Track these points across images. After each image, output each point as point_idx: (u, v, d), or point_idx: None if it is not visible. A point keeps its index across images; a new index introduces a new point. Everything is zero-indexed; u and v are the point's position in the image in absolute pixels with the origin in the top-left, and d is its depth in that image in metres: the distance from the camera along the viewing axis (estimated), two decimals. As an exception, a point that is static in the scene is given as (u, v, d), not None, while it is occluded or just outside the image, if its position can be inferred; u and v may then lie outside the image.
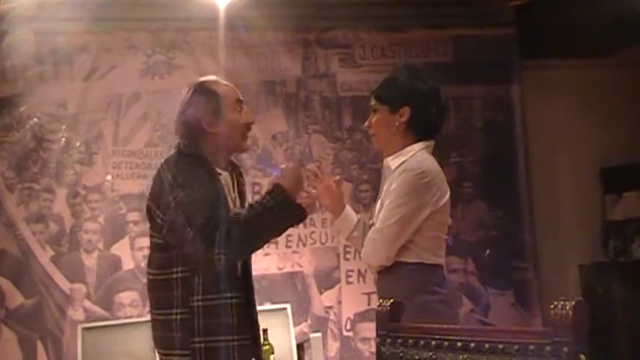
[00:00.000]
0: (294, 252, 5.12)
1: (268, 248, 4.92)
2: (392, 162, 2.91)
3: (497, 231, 5.53)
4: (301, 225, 3.78)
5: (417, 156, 2.87)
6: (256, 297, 2.94)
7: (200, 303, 2.65)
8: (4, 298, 4.75)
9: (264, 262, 5.00)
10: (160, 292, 2.74)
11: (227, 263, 2.58)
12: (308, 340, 4.62)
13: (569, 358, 1.52)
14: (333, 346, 5.17)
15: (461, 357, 1.77)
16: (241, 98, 2.88)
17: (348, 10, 5.38)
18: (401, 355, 1.97)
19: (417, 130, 2.91)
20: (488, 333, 1.78)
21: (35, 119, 4.91)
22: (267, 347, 3.94)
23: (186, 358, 2.65)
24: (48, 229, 4.87)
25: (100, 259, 4.93)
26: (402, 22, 5.52)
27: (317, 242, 5.20)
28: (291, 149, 5.29)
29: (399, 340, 2.00)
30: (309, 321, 5.13)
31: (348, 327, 5.21)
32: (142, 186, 4.96)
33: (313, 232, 5.19)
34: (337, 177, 3.17)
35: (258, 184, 5.03)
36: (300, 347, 4.55)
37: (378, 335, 2.08)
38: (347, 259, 5.25)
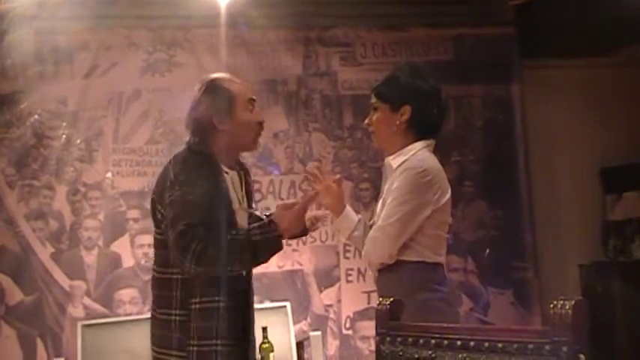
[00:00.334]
0: (294, 250, 5.12)
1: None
2: (393, 161, 2.91)
3: (497, 230, 5.53)
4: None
5: (418, 154, 2.87)
6: (255, 297, 2.94)
7: (198, 306, 2.65)
8: (4, 295, 4.76)
9: (264, 260, 5.00)
10: (161, 291, 2.74)
11: (195, 274, 2.59)
12: (308, 338, 4.62)
13: (569, 358, 1.52)
14: (333, 345, 5.17)
15: (460, 356, 1.78)
16: (254, 97, 2.85)
17: (349, 9, 5.39)
18: (400, 353, 1.97)
19: (418, 129, 2.91)
20: (487, 332, 1.78)
21: (36, 116, 4.91)
22: (267, 345, 3.94)
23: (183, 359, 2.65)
24: (48, 226, 4.88)
25: (100, 256, 4.94)
26: (403, 20, 5.52)
27: (317, 240, 5.21)
28: (292, 147, 5.29)
29: (399, 339, 2.00)
30: (308, 319, 5.14)
31: (348, 325, 5.21)
32: (143, 183, 4.98)
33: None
34: (337, 176, 3.16)
35: (258, 182, 5.03)
36: (299, 345, 4.55)
37: (377, 334, 2.08)
38: (347, 258, 5.26)
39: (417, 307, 2.56)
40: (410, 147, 2.89)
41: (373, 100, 2.99)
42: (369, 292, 5.16)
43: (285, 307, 4.58)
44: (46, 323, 4.80)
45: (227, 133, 2.75)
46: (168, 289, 2.69)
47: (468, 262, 5.44)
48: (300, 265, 5.17)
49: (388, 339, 2.04)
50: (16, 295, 4.78)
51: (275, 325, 4.27)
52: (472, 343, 1.76)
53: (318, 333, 4.67)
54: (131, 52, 5.11)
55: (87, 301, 4.87)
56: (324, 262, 5.23)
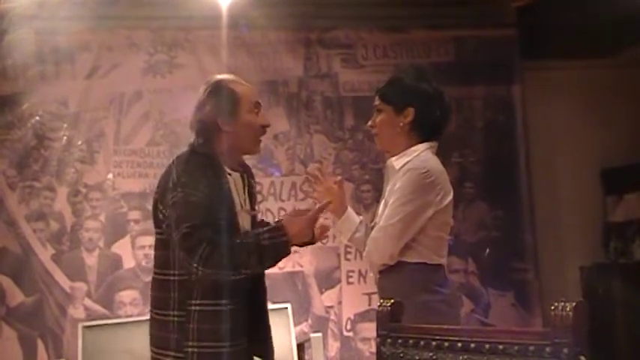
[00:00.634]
0: (294, 251, 5.10)
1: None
2: (396, 162, 2.91)
3: (498, 231, 5.53)
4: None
5: (421, 156, 2.87)
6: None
7: (197, 308, 2.64)
8: (5, 296, 4.76)
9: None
10: (159, 292, 2.73)
11: (203, 276, 2.58)
12: (308, 339, 4.63)
13: (570, 359, 1.52)
14: (334, 346, 5.17)
15: (461, 357, 1.78)
16: (259, 100, 2.84)
17: (350, 10, 5.39)
18: (401, 355, 1.97)
19: (421, 131, 2.91)
20: (488, 334, 1.78)
21: (37, 117, 4.92)
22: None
23: None
24: (49, 227, 4.88)
25: (101, 257, 4.94)
26: (404, 22, 5.52)
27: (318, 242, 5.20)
28: (293, 149, 5.29)
29: (400, 341, 2.00)
30: (309, 321, 5.14)
31: (349, 327, 5.21)
32: (144, 185, 4.98)
33: (314, 231, 5.18)
34: (338, 177, 3.16)
35: (259, 183, 5.02)
36: (300, 347, 4.56)
37: (378, 335, 2.08)
38: (348, 260, 5.26)
39: (418, 309, 2.56)
40: (413, 149, 2.90)
41: (377, 101, 2.99)
42: (369, 294, 5.16)
43: (285, 308, 4.58)
44: (47, 324, 4.80)
45: (231, 135, 2.74)
46: (166, 291, 2.69)
47: (469, 263, 5.44)
48: (301, 266, 5.17)
49: (389, 341, 2.04)
50: (16, 297, 4.78)
51: (276, 327, 4.23)
52: (473, 345, 1.76)
53: (319, 334, 4.68)
54: (132, 53, 5.12)
55: (88, 302, 4.87)
56: (325, 264, 5.23)
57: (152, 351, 2.75)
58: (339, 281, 5.26)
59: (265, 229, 2.70)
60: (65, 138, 4.96)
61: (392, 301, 2.10)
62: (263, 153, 5.06)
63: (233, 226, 2.67)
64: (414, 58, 5.43)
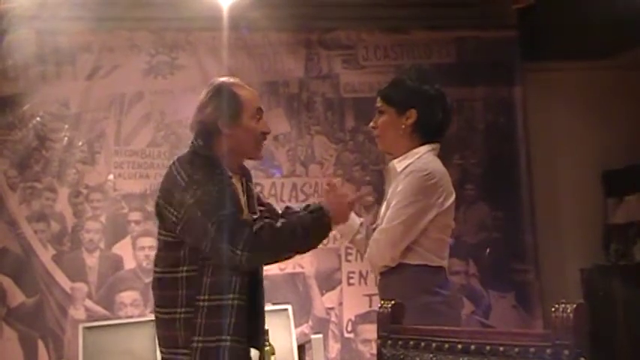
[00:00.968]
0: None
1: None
2: (398, 164, 2.91)
3: (499, 233, 5.52)
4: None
5: (423, 158, 2.87)
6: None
7: (206, 303, 2.64)
8: (6, 297, 4.76)
9: (266, 263, 5.00)
10: (164, 291, 2.73)
11: (247, 263, 2.60)
12: (309, 341, 4.62)
13: (570, 361, 1.52)
14: (334, 348, 5.17)
15: (461, 359, 1.78)
16: (261, 107, 2.85)
17: (351, 11, 5.39)
18: (402, 357, 1.97)
19: (423, 133, 2.91)
20: (489, 335, 1.78)
21: (38, 118, 4.92)
22: (268, 348, 3.93)
23: (189, 357, 2.65)
24: (50, 227, 4.88)
25: (102, 258, 4.94)
26: (405, 23, 5.52)
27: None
28: (294, 150, 5.29)
29: (400, 342, 2.00)
30: (310, 322, 5.14)
31: (349, 328, 5.21)
32: (144, 186, 4.98)
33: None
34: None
35: (260, 184, 5.03)
36: (301, 348, 4.55)
37: (379, 337, 2.08)
38: (348, 261, 5.25)
39: (419, 310, 2.56)
40: (415, 150, 2.90)
41: (379, 103, 2.99)
42: (370, 295, 5.16)
43: (286, 310, 4.58)
44: (48, 325, 4.80)
45: (231, 138, 2.74)
46: (172, 288, 2.68)
47: (470, 265, 5.44)
48: (302, 267, 5.17)
49: (390, 342, 2.04)
50: (17, 297, 4.78)
51: (276, 328, 4.27)
52: (473, 347, 1.76)
53: (320, 336, 4.67)
54: (133, 54, 5.12)
55: (88, 303, 4.87)
56: (326, 265, 5.22)
57: (161, 351, 2.77)
58: (340, 282, 5.25)
59: (308, 209, 2.73)
60: (66, 139, 4.96)
61: (393, 302, 2.10)
62: (264, 154, 5.06)
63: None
64: (415, 59, 5.42)
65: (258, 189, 4.91)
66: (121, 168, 5.03)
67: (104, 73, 5.07)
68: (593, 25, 5.05)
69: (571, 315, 1.52)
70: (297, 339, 4.57)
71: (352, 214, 3.06)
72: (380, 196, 3.14)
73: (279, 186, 5.24)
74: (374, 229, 2.92)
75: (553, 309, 1.55)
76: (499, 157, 5.59)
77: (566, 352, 1.52)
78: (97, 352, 4.23)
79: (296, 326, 4.69)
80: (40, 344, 4.77)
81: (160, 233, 2.77)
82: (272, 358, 4.00)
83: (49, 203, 4.90)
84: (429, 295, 2.80)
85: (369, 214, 4.96)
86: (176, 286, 2.68)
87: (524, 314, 5.46)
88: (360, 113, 5.23)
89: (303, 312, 5.11)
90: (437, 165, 2.88)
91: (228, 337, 2.64)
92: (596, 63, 5.80)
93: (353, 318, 5.22)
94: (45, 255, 4.84)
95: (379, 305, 2.16)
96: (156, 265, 2.79)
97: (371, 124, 3.03)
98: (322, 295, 5.21)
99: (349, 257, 5.24)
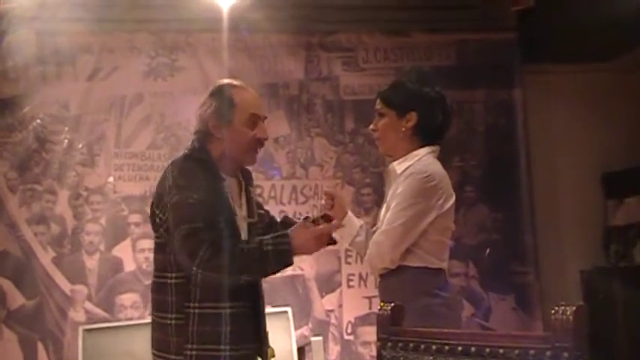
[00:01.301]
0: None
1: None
2: (398, 166, 2.91)
3: (499, 235, 5.52)
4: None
5: (423, 160, 2.87)
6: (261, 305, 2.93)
7: (196, 310, 2.63)
8: (6, 299, 4.76)
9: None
10: (157, 295, 2.73)
11: (201, 281, 2.57)
12: (309, 343, 4.62)
13: (570, 363, 1.52)
14: (334, 350, 5.17)
15: (461, 361, 1.78)
16: (260, 113, 2.78)
17: (352, 14, 5.39)
18: (401, 359, 1.97)
19: (424, 135, 2.91)
20: (488, 337, 1.78)
21: (38, 120, 4.92)
22: (268, 350, 3.93)
23: None
24: (50, 230, 4.89)
25: (102, 260, 4.94)
26: (405, 26, 5.52)
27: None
28: (294, 152, 5.29)
29: (400, 344, 2.00)
30: (310, 324, 5.13)
31: (349, 330, 5.21)
32: (144, 188, 4.98)
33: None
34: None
35: (259, 186, 5.03)
36: (301, 351, 4.55)
37: (378, 339, 2.08)
38: (348, 263, 5.25)
39: (419, 312, 2.56)
40: (415, 153, 2.90)
41: (379, 105, 2.98)
42: (370, 298, 5.16)
43: (286, 312, 4.58)
44: (48, 327, 4.80)
45: (221, 142, 2.72)
46: (164, 294, 2.68)
47: (470, 267, 5.44)
48: (302, 270, 5.17)
49: (389, 344, 2.04)
50: (17, 299, 4.78)
51: (276, 331, 4.27)
52: (473, 349, 1.75)
53: (320, 338, 4.67)
54: (133, 55, 5.12)
55: (88, 305, 4.87)
56: (326, 268, 5.22)
57: (153, 353, 2.75)
58: (340, 285, 5.25)
59: (271, 235, 2.67)
60: (66, 141, 4.96)
61: (392, 304, 2.10)
62: (264, 156, 5.07)
63: (232, 230, 2.65)
64: (415, 62, 5.43)
65: (258, 191, 4.94)
66: (121, 170, 5.03)
67: (104, 75, 5.07)
68: (592, 28, 5.05)
69: (571, 317, 1.52)
70: (296, 341, 4.57)
71: (352, 217, 3.06)
72: (380, 199, 3.13)
73: (279, 188, 5.24)
74: (374, 232, 2.92)
75: (553, 311, 1.55)
76: (499, 159, 5.59)
77: (566, 354, 1.52)
78: (97, 355, 4.23)
79: (296, 328, 4.69)
80: (40, 346, 4.77)
81: (154, 235, 2.77)
82: (272, 360, 3.99)
83: (49, 205, 4.90)
84: (429, 297, 2.80)
85: (368, 216, 4.96)
86: (166, 292, 2.67)
87: (524, 316, 5.46)
88: (360, 115, 5.23)
89: (303, 314, 5.11)
90: (437, 167, 2.88)
91: (227, 347, 2.63)
92: (596, 65, 5.81)
93: (353, 320, 5.21)
94: (45, 257, 4.85)
95: (379, 307, 2.16)
96: (154, 269, 2.80)
97: (371, 126, 3.03)
98: (322, 297, 5.21)
99: (349, 259, 5.24)
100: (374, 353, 2.16)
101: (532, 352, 1.60)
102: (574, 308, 1.52)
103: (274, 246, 2.59)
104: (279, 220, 3.09)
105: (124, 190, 5.02)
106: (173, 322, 2.65)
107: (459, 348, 1.79)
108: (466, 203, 5.43)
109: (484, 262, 5.47)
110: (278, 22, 5.21)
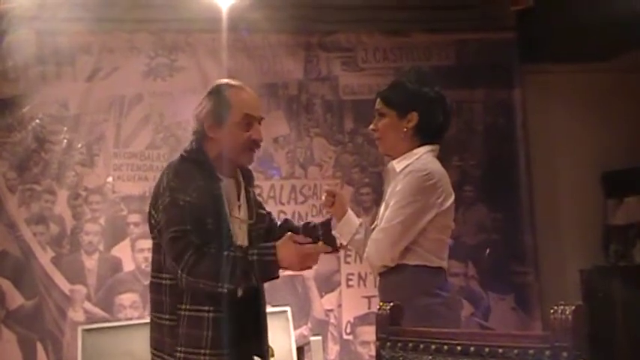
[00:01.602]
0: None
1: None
2: (397, 165, 2.91)
3: (498, 235, 5.52)
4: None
5: (422, 159, 2.87)
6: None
7: (186, 313, 2.64)
8: (5, 299, 4.76)
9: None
10: (155, 295, 2.75)
11: (186, 285, 2.57)
12: (308, 343, 4.62)
13: (569, 363, 1.52)
14: (333, 350, 5.16)
15: (460, 361, 1.78)
16: (255, 114, 2.76)
17: (351, 14, 5.38)
18: (401, 358, 1.97)
19: (424, 135, 2.91)
20: (488, 337, 1.78)
21: (37, 120, 4.92)
22: (268, 349, 3.93)
23: None
24: (49, 230, 4.88)
25: (101, 260, 4.94)
26: (405, 25, 5.52)
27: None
28: (293, 152, 5.29)
29: (399, 344, 2.00)
30: (309, 324, 5.13)
31: (348, 330, 5.21)
32: (143, 188, 4.98)
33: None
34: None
35: (259, 186, 5.02)
36: (300, 350, 4.55)
37: (377, 339, 2.08)
38: (347, 263, 5.25)
39: (419, 312, 2.56)
40: (414, 151, 2.90)
41: (379, 105, 2.98)
42: (369, 297, 5.16)
43: (285, 311, 4.57)
44: (47, 327, 4.80)
45: (215, 142, 2.71)
46: (159, 294, 2.70)
47: (469, 267, 5.43)
48: (301, 269, 5.16)
49: (388, 344, 2.04)
50: (16, 299, 4.78)
51: (275, 330, 4.27)
52: (472, 349, 1.76)
53: (319, 338, 4.67)
54: (133, 55, 5.12)
55: (87, 305, 4.87)
56: (325, 267, 5.22)
57: (152, 352, 2.77)
58: (339, 284, 5.25)
59: (258, 245, 2.68)
60: (65, 141, 4.96)
61: (392, 304, 2.10)
62: (263, 156, 5.07)
63: (223, 233, 2.64)
64: (415, 62, 5.42)
65: (257, 191, 4.94)
66: (120, 170, 5.03)
67: (104, 75, 5.07)
68: (591, 28, 5.05)
69: (570, 317, 1.52)
70: (296, 341, 4.57)
71: (351, 215, 3.06)
72: (379, 198, 3.13)
73: (278, 188, 5.24)
74: (373, 230, 2.92)
75: (552, 310, 1.55)
76: (498, 159, 5.59)
77: (565, 353, 1.52)
78: (96, 355, 4.23)
79: (295, 328, 4.69)
80: (39, 346, 4.77)
81: (151, 236, 2.78)
82: (271, 360, 3.99)
83: (48, 205, 4.90)
84: (429, 296, 2.80)
85: (368, 215, 4.95)
86: (161, 292, 2.69)
87: (524, 316, 5.46)
88: (359, 115, 5.23)
89: (302, 314, 5.11)
90: (436, 166, 2.88)
91: (207, 352, 2.62)
92: (595, 65, 5.80)
93: (352, 320, 5.21)
94: (44, 257, 4.84)
95: (378, 307, 2.16)
96: (151, 269, 2.80)
97: (371, 126, 3.02)
98: (321, 296, 5.21)
99: (348, 259, 5.24)
100: (373, 353, 2.16)
101: (531, 351, 1.60)
102: (573, 308, 1.52)
103: (259, 256, 2.58)
104: (279, 223, 3.09)
105: (123, 190, 5.02)
106: (167, 322, 2.67)
107: (458, 348, 1.79)
108: (465, 203, 5.43)
109: (483, 261, 5.47)
110: (277, 22, 5.21)
